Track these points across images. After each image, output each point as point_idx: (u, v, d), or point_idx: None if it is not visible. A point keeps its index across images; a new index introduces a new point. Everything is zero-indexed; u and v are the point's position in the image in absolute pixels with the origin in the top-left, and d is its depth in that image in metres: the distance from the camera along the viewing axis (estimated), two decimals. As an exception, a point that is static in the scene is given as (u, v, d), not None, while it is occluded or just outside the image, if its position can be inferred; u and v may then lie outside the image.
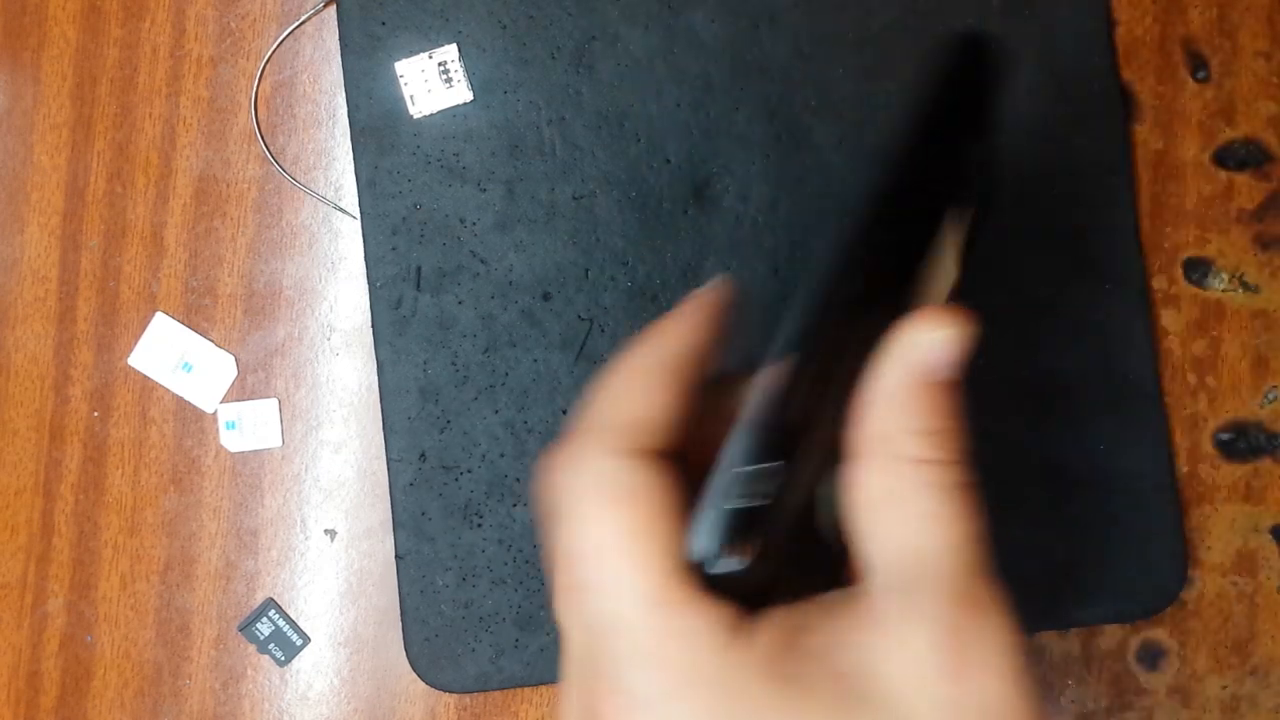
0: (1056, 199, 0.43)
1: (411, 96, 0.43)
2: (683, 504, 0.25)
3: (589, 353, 0.43)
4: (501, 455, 0.43)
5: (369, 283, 0.43)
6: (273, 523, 0.44)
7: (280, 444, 0.44)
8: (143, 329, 0.45)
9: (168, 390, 0.45)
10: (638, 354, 0.27)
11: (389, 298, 0.43)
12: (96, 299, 0.45)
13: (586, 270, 0.43)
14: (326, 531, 0.44)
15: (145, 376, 0.45)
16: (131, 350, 0.45)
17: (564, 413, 0.43)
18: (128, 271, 0.45)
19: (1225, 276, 0.44)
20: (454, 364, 0.43)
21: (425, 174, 0.43)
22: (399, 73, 0.43)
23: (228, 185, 0.45)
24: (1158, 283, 0.44)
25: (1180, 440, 0.44)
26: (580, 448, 0.26)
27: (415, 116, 0.43)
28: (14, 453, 0.45)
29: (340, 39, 0.44)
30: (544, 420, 0.43)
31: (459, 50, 0.43)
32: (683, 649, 0.23)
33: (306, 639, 0.44)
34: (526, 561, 0.43)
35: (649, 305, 0.43)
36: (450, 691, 0.43)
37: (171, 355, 0.45)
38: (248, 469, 0.45)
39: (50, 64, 0.45)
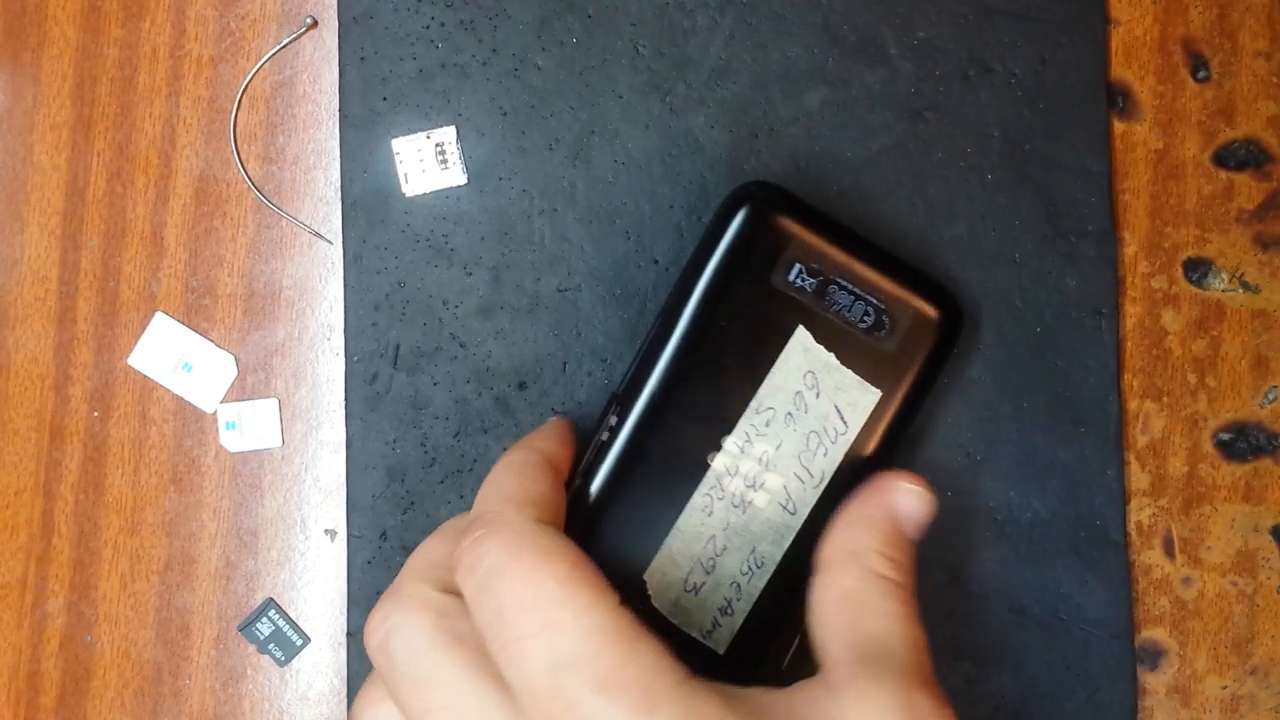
0: (1038, 336, 0.43)
1: (406, 175, 0.43)
2: (588, 560, 0.28)
3: None
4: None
5: (345, 356, 0.43)
6: (273, 523, 0.44)
7: (280, 444, 0.44)
8: (143, 329, 0.45)
9: (168, 390, 0.45)
10: (522, 451, 0.33)
11: (364, 372, 0.43)
12: (96, 299, 0.45)
13: (565, 363, 0.43)
14: (326, 531, 0.44)
15: (145, 376, 0.45)
16: (131, 350, 0.45)
17: None
18: (128, 271, 0.45)
19: (1225, 276, 0.44)
20: (423, 445, 0.43)
21: (412, 252, 0.43)
22: (395, 150, 0.43)
23: (228, 185, 0.45)
24: (1158, 283, 0.44)
25: (1180, 440, 0.44)
26: (497, 520, 0.28)
27: (408, 195, 0.43)
28: (14, 453, 0.45)
29: (340, 110, 0.44)
30: None
31: (457, 133, 0.43)
32: (644, 674, 0.25)
33: (306, 639, 0.44)
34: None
35: None
36: None
37: (171, 355, 0.45)
38: (248, 469, 0.45)
39: (50, 64, 0.45)
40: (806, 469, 0.33)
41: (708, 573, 0.33)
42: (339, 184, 0.45)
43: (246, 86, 0.45)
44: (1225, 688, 0.43)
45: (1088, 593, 0.42)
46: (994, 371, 0.43)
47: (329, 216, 0.45)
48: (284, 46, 0.44)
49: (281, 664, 0.44)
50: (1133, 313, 0.44)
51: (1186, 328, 0.44)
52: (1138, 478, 0.44)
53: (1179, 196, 0.44)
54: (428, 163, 0.43)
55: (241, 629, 0.44)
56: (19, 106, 0.45)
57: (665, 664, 0.25)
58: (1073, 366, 0.43)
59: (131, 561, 0.44)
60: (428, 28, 0.43)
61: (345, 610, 0.44)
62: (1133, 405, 0.44)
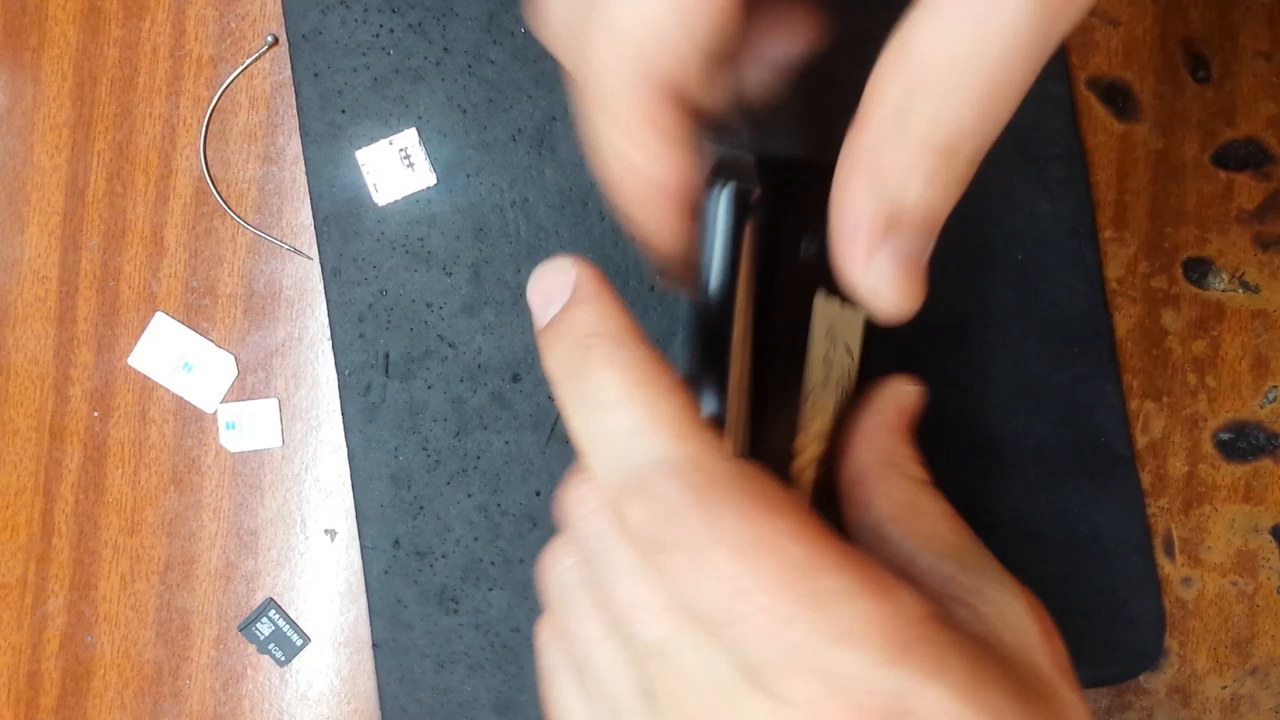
0: (1020, 264, 0.43)
1: (374, 184, 0.43)
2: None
3: (560, 433, 0.43)
4: (476, 539, 0.43)
5: (337, 370, 0.43)
6: (273, 523, 0.44)
7: (280, 444, 0.44)
8: (143, 329, 0.45)
9: (168, 390, 0.45)
10: (627, 350, 0.25)
11: (358, 385, 0.43)
12: (96, 299, 0.45)
13: None
14: (326, 531, 0.44)
15: (145, 376, 0.45)
16: (131, 350, 0.45)
17: (537, 494, 0.43)
18: (128, 271, 0.45)
19: (1225, 276, 0.44)
20: (425, 449, 0.43)
21: (390, 260, 0.43)
22: (360, 161, 0.43)
23: (228, 185, 0.45)
24: (1157, 283, 0.44)
25: (1180, 440, 0.44)
26: (706, 490, 0.23)
27: (379, 204, 0.43)
28: (14, 453, 0.45)
29: (300, 129, 0.44)
30: (517, 503, 0.43)
31: (419, 135, 0.43)
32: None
33: (306, 639, 0.44)
34: (504, 646, 0.43)
35: None
36: None
37: (171, 355, 0.45)
38: (248, 469, 0.45)
39: (50, 64, 0.45)
40: (839, 420, 0.31)
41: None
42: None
43: (213, 109, 0.45)
44: (1225, 688, 0.43)
45: (1101, 511, 0.42)
46: (980, 305, 0.42)
47: (329, 216, 0.45)
48: (246, 68, 0.44)
49: (281, 664, 0.44)
50: (1133, 313, 0.44)
51: (1186, 328, 0.44)
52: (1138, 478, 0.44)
53: (1179, 196, 0.44)
54: (394, 168, 0.43)
55: (241, 629, 0.44)
56: (19, 106, 0.45)
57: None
58: (1058, 290, 0.43)
59: (131, 561, 0.44)
60: (377, 36, 0.43)
61: (345, 610, 0.44)
62: (1133, 405, 0.44)
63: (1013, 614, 0.25)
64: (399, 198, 0.43)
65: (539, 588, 0.28)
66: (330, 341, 0.44)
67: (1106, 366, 0.43)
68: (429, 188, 0.43)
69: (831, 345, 0.30)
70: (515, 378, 0.43)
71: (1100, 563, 0.42)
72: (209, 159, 0.45)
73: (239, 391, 0.45)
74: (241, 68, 0.45)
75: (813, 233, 0.29)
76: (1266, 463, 0.44)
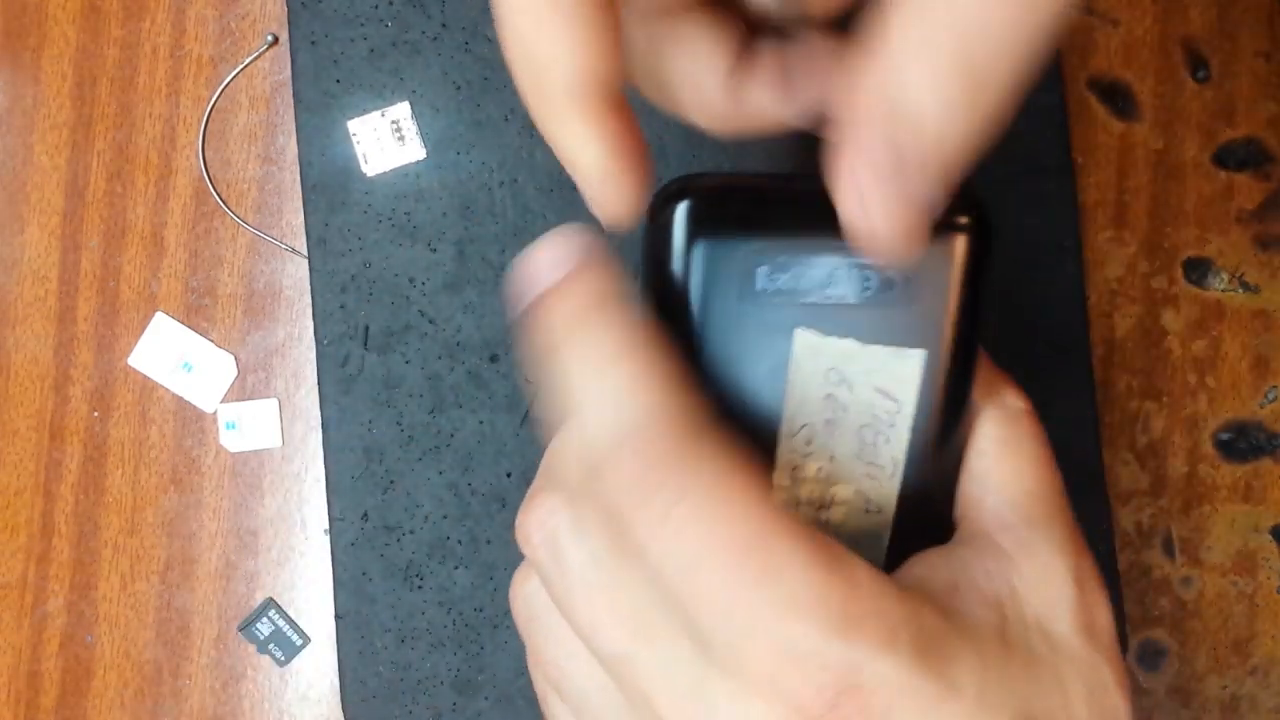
0: (1005, 278, 0.43)
1: (364, 155, 0.43)
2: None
3: (535, 417, 0.42)
4: (445, 517, 0.43)
5: (316, 340, 0.43)
6: (273, 523, 0.44)
7: (280, 444, 0.44)
8: (143, 329, 0.45)
9: (168, 390, 0.45)
10: (605, 317, 0.25)
11: (336, 355, 0.43)
12: (96, 299, 0.45)
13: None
14: (326, 531, 0.44)
15: (145, 376, 0.45)
16: (131, 350, 0.45)
17: (508, 475, 0.43)
18: (128, 271, 0.45)
19: (1225, 276, 0.44)
20: (399, 424, 0.43)
21: (376, 232, 0.43)
22: (352, 131, 0.43)
23: (228, 185, 0.45)
24: (1157, 283, 0.44)
25: (1180, 440, 0.44)
26: (673, 475, 0.23)
27: (368, 175, 0.43)
28: (14, 453, 0.45)
29: (294, 96, 0.44)
30: (488, 482, 0.43)
31: (412, 108, 0.43)
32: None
33: (306, 639, 0.44)
34: (466, 625, 0.42)
35: None
36: None
37: (171, 355, 0.45)
38: (248, 469, 0.45)
39: (50, 64, 0.45)
40: (874, 464, 0.29)
41: None
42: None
43: (213, 109, 0.45)
44: (1225, 688, 0.43)
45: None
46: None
47: (329, 216, 0.45)
48: (245, 67, 0.44)
49: (281, 664, 0.44)
50: (1132, 313, 0.44)
51: (1186, 328, 0.44)
52: (1138, 478, 0.44)
53: (1179, 196, 0.44)
54: (385, 141, 0.43)
55: (241, 629, 0.44)
56: (19, 106, 0.45)
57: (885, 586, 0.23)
58: (1039, 304, 0.43)
59: (131, 561, 0.44)
60: (376, 7, 0.43)
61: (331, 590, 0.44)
62: (1133, 405, 0.44)
63: (1053, 576, 0.26)
64: (388, 170, 0.43)
65: (513, 613, 0.28)
66: (312, 312, 0.44)
67: (1083, 383, 0.43)
68: (418, 162, 0.43)
69: (839, 387, 0.29)
70: (493, 358, 0.43)
71: None
72: (208, 159, 0.45)
73: (239, 391, 0.45)
74: (241, 67, 0.45)
75: (780, 261, 0.28)
76: (1266, 463, 0.44)
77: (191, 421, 0.45)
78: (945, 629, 0.24)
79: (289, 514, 0.44)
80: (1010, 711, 0.24)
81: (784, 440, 0.29)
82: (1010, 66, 0.21)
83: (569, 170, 0.27)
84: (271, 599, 0.44)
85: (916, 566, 0.26)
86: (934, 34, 0.21)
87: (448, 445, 0.43)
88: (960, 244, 0.28)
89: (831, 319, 0.29)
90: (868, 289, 0.28)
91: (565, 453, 0.25)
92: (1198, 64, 0.44)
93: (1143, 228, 0.44)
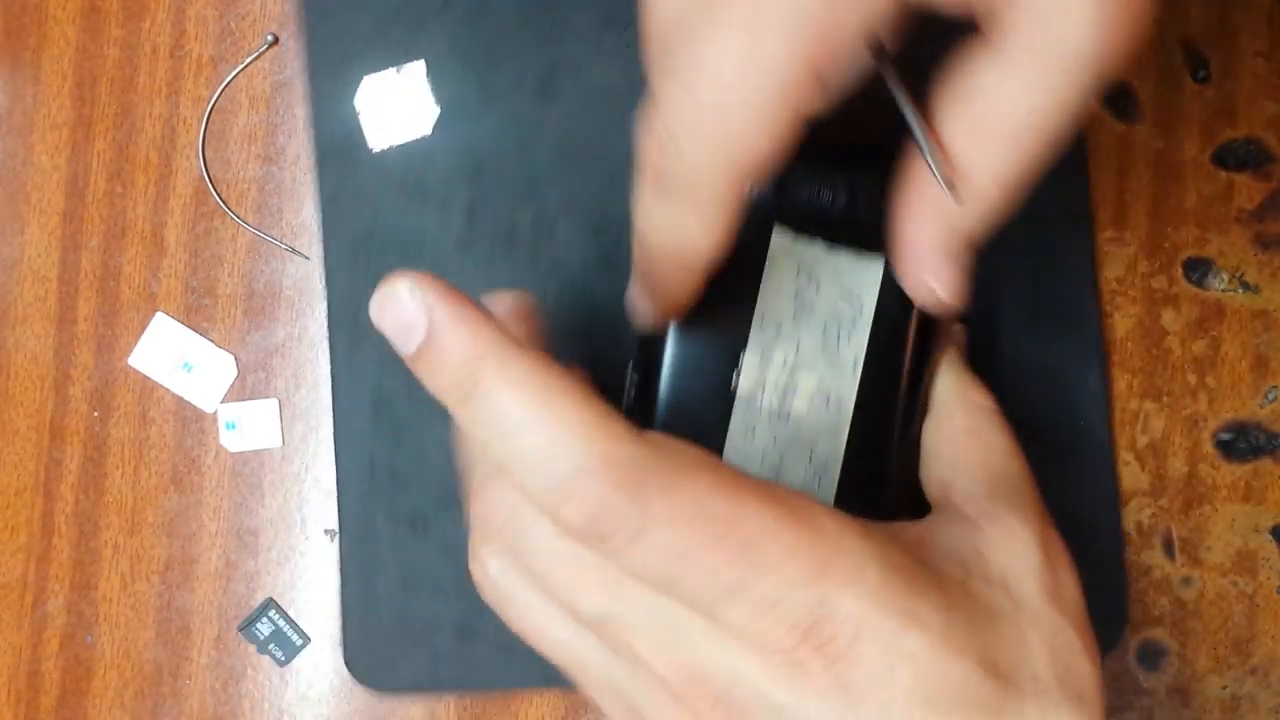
0: (1017, 242, 0.42)
1: (376, 116, 0.43)
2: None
3: None
4: (451, 469, 0.43)
5: (327, 298, 0.43)
6: (273, 523, 0.44)
7: (280, 444, 0.44)
8: (143, 329, 0.45)
9: (168, 390, 0.45)
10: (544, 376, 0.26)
11: (347, 312, 0.43)
12: (96, 299, 0.45)
13: (544, 294, 0.43)
14: (326, 531, 0.44)
15: (145, 376, 0.45)
16: (132, 350, 0.45)
17: None
18: (128, 271, 0.45)
19: (1225, 276, 0.44)
20: (409, 377, 0.43)
21: (386, 193, 0.43)
22: (364, 91, 0.43)
23: (228, 185, 0.45)
24: (1157, 283, 0.44)
25: (1180, 440, 0.44)
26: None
27: (379, 136, 0.43)
28: (14, 453, 0.45)
29: (307, 57, 0.44)
30: None
31: (426, 70, 0.43)
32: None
33: (306, 639, 0.44)
34: (469, 574, 0.43)
35: (603, 331, 0.43)
36: (384, 691, 0.43)
37: (171, 355, 0.45)
38: (248, 469, 0.45)
39: (50, 64, 0.45)
40: (835, 359, 0.32)
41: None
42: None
43: (213, 109, 0.45)
44: (1225, 688, 0.43)
45: (1074, 497, 0.42)
46: (975, 274, 0.43)
47: (329, 216, 0.45)
48: (245, 67, 0.44)
49: (281, 664, 0.44)
50: (1132, 312, 0.44)
51: (1186, 328, 0.44)
52: (1138, 478, 0.44)
53: (1179, 196, 0.44)
54: (398, 102, 0.43)
55: (241, 629, 0.44)
56: (19, 106, 0.45)
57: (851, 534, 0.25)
58: (1051, 271, 0.43)
59: (131, 561, 0.44)
60: None
61: (338, 543, 0.44)
62: (1133, 405, 0.44)
63: (1017, 541, 0.28)
64: (399, 131, 0.43)
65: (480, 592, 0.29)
66: (324, 266, 0.44)
67: (1093, 353, 0.43)
68: (430, 124, 0.43)
69: (808, 286, 0.31)
70: None
71: (1069, 547, 0.42)
72: (208, 159, 0.45)
73: (239, 391, 0.45)
74: (241, 67, 0.45)
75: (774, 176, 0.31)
76: (1266, 463, 0.44)
77: (191, 421, 0.45)
78: (912, 567, 0.25)
79: (289, 514, 0.44)
80: (974, 654, 0.25)
81: (755, 329, 0.32)
82: (1049, 144, 0.25)
83: (645, 263, 0.30)
84: (271, 599, 0.44)
85: (884, 527, 0.27)
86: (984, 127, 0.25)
87: None
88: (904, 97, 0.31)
89: (803, 222, 0.32)
90: (839, 201, 0.32)
91: (502, 509, 0.27)
92: (1198, 64, 0.44)
93: (1143, 228, 0.44)
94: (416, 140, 0.43)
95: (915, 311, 0.32)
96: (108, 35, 0.45)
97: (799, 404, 0.32)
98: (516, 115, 0.43)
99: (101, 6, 0.45)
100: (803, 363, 0.32)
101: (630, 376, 0.35)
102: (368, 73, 0.43)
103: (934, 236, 0.27)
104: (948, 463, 0.31)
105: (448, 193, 0.43)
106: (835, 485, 0.32)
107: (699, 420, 0.32)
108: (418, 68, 0.43)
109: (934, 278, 0.28)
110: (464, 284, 0.43)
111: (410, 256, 0.43)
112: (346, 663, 0.43)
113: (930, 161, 0.26)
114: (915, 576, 0.25)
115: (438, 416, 0.43)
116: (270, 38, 0.44)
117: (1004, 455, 0.31)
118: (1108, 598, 0.43)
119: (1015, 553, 0.28)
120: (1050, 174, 0.41)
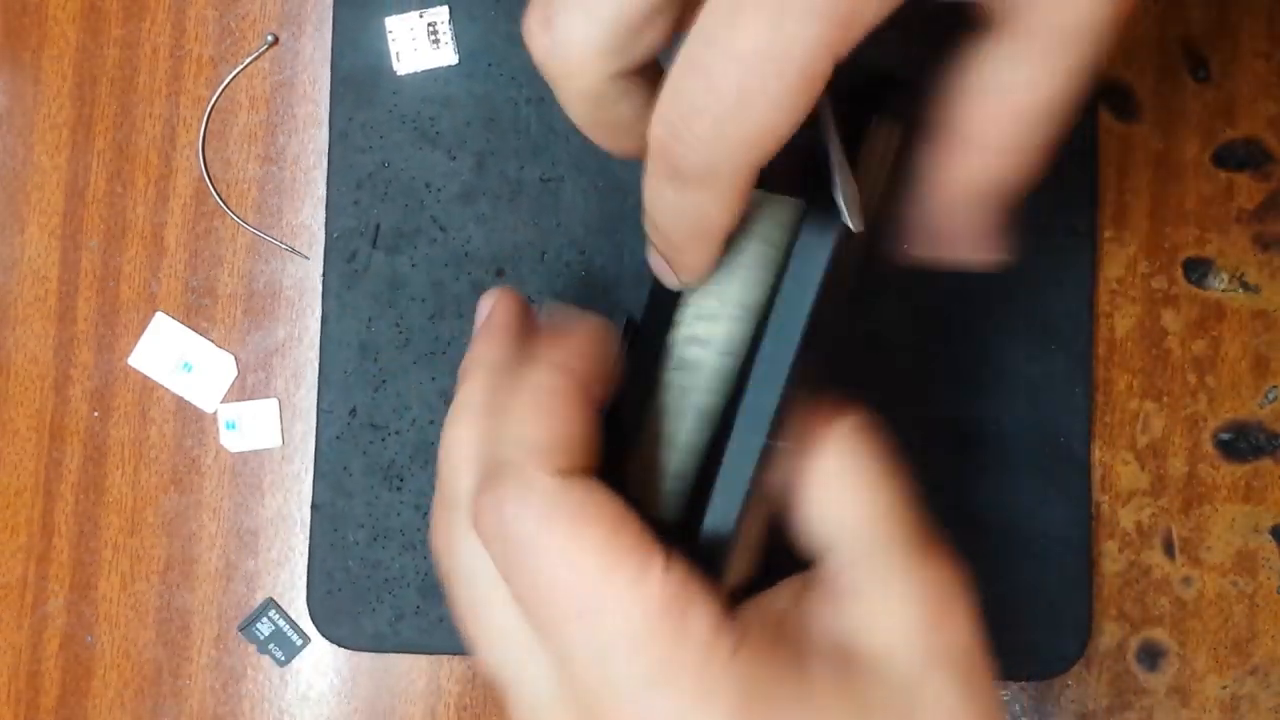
0: (1018, 256, 0.42)
1: (397, 53, 0.43)
2: (629, 515, 0.25)
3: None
4: (431, 422, 0.43)
5: (325, 233, 0.44)
6: (273, 523, 0.44)
7: (280, 444, 0.44)
8: (143, 329, 0.45)
9: (168, 390, 0.45)
10: (547, 373, 0.27)
11: (344, 249, 0.43)
12: (96, 299, 0.45)
13: (543, 253, 0.43)
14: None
15: (145, 376, 0.45)
16: (132, 350, 0.45)
17: None
18: (128, 271, 0.45)
19: (1225, 276, 0.44)
20: (398, 325, 0.43)
21: (399, 133, 0.43)
22: (388, 28, 0.43)
23: (227, 185, 0.45)
24: (1158, 283, 0.44)
25: (1180, 440, 0.44)
26: (520, 477, 0.25)
27: (398, 73, 0.43)
28: (14, 453, 0.45)
29: None
30: None
31: (450, 12, 0.43)
32: (698, 658, 0.24)
33: (306, 639, 0.44)
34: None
35: (600, 296, 0.43)
36: (344, 647, 0.43)
37: (171, 355, 0.45)
38: (248, 469, 0.45)
39: (50, 64, 0.45)
40: (743, 306, 0.30)
41: (674, 449, 0.29)
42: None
43: (213, 109, 0.45)
44: (1225, 688, 0.43)
45: (1048, 509, 0.42)
46: (966, 287, 0.42)
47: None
48: (245, 67, 0.44)
49: (281, 664, 0.44)
50: (1132, 313, 0.44)
51: (1186, 328, 0.44)
52: (1138, 478, 0.44)
53: (1179, 196, 0.44)
54: (419, 41, 0.43)
55: (241, 629, 0.44)
56: (19, 106, 0.45)
57: (720, 632, 0.24)
58: (1048, 284, 0.43)
59: (131, 561, 0.44)
60: None
61: (311, 484, 0.44)
62: (1133, 405, 0.44)
63: (893, 604, 0.26)
64: (418, 71, 0.43)
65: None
66: (325, 203, 0.44)
67: (1080, 369, 0.43)
68: (449, 67, 0.44)
69: (740, 234, 0.29)
70: (499, 272, 0.43)
71: (1038, 561, 0.42)
72: (208, 159, 0.45)
73: (239, 391, 0.45)
74: (241, 67, 0.45)
75: None
76: (1266, 463, 0.44)
77: (191, 421, 0.45)
78: (777, 681, 0.24)
79: (289, 514, 0.44)
80: None
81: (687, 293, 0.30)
82: (1059, 119, 0.26)
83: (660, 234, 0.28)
84: (271, 599, 0.44)
85: (766, 602, 0.26)
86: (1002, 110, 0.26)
87: (444, 353, 0.43)
88: (828, 112, 0.28)
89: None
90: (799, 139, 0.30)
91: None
92: (1198, 64, 0.44)
93: (1143, 228, 0.44)
94: (433, 83, 0.43)
95: (828, 258, 0.28)
96: (108, 35, 0.45)
97: (704, 354, 0.30)
98: (533, 70, 0.43)
99: (101, 6, 0.45)
100: (721, 314, 0.30)
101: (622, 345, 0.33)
102: (391, 12, 0.44)
103: (967, 187, 0.28)
104: (820, 515, 0.28)
105: (459, 140, 0.43)
106: (729, 439, 0.28)
107: (646, 380, 0.30)
108: (441, 12, 0.43)
109: (986, 244, 0.29)
110: (462, 233, 0.43)
111: (413, 203, 0.43)
112: (310, 614, 0.43)
113: (838, 178, 0.26)
114: (779, 692, 0.24)
115: (423, 368, 0.43)
116: (270, 38, 0.44)
117: (878, 492, 0.28)
118: (1072, 613, 0.42)
119: (893, 626, 0.26)
120: (1056, 190, 0.42)
